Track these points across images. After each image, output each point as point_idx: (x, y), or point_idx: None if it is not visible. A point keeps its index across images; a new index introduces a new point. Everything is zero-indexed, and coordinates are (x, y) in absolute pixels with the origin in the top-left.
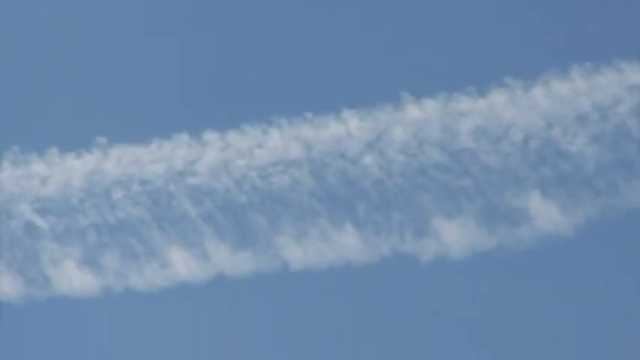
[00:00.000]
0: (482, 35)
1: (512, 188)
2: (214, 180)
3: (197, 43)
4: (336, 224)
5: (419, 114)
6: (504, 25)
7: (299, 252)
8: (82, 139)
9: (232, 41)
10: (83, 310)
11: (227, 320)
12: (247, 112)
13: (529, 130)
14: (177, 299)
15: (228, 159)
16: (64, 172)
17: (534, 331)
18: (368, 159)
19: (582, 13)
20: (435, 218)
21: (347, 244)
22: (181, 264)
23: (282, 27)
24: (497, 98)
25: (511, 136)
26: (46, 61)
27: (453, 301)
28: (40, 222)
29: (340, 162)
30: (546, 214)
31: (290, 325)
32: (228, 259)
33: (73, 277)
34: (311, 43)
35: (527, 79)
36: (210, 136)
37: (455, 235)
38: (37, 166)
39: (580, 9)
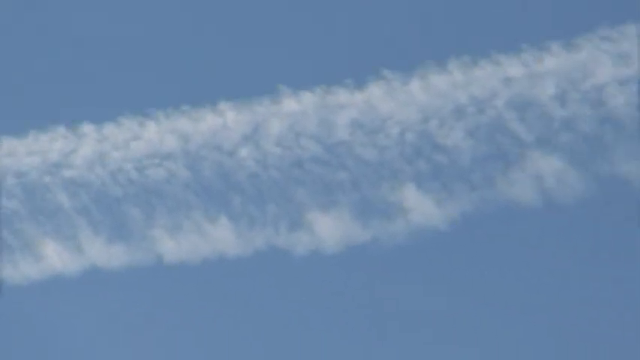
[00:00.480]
0: (359, 28)
1: (388, 181)
2: (90, 172)
3: (72, 34)
4: (211, 217)
5: (296, 107)
6: (381, 18)
7: (173, 245)
8: None
9: (109, 32)
10: None
11: (101, 313)
12: (124, 104)
13: (405, 124)
14: (50, 292)
15: (104, 151)
16: None
17: (408, 325)
18: (244, 152)
19: (458, 7)
20: (310, 211)
21: (221, 237)
22: (55, 256)
23: (159, 18)
24: (375, 91)
25: (387, 129)
26: None
27: (327, 295)
28: None
29: (216, 154)
30: (421, 208)
31: (164, 319)
32: (102, 252)
33: None
34: (188, 34)
35: (405, 72)
36: (86, 128)
37: (329, 229)
38: None
39: (456, 2)
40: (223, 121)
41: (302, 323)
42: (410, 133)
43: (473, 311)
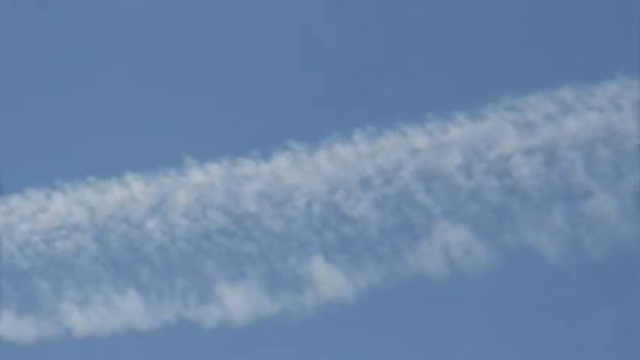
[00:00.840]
0: (264, 99)
1: (296, 253)
2: None
3: None
4: (120, 290)
5: (202, 178)
6: (285, 89)
7: (83, 318)
8: None
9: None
10: None
11: None
12: (30, 176)
13: (312, 195)
14: None
15: (12, 223)
16: None
17: None
18: (151, 223)
19: (362, 77)
20: (219, 284)
21: (130, 310)
22: None
23: (60, 95)
24: (281, 162)
25: (295, 200)
26: None
27: None
28: None
29: (124, 226)
30: (329, 280)
31: None
32: (11, 325)
33: None
34: (91, 106)
35: (311, 142)
36: None
37: (238, 301)
38: None
39: (358, 73)
40: (130, 193)
41: None
42: (317, 204)
43: None
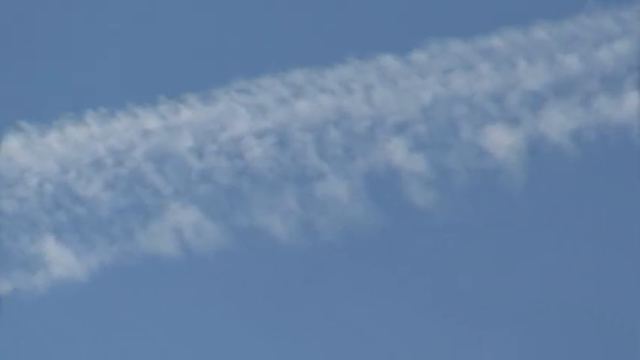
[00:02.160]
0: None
1: (28, 233)
2: None
3: None
4: None
5: None
6: (14, 71)
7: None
8: None
9: None
10: None
11: None
12: None
13: (44, 175)
14: None
15: None
16: None
17: None
18: None
19: (132, 58)
20: None
21: None
22: None
23: None
24: (12, 143)
25: (26, 180)
26: None
27: None
28: None
29: None
30: (61, 259)
31: None
32: None
33: None
34: None
35: (43, 123)
36: None
37: None
38: None
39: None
40: None
41: None
42: (48, 184)
43: None
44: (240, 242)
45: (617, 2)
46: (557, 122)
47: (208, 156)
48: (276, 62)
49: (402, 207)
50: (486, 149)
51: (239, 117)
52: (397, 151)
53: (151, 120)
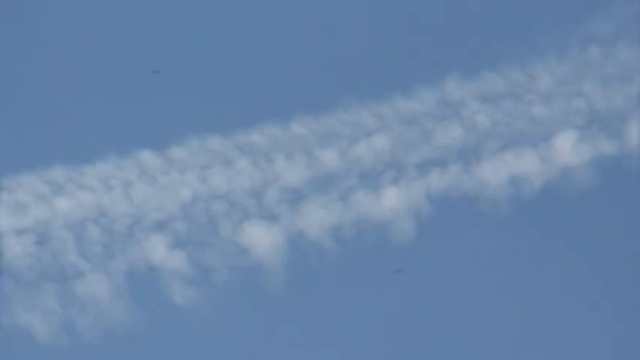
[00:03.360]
0: None
1: None
2: None
3: None
4: None
5: None
6: None
7: None
8: None
9: None
10: None
11: None
12: None
13: None
14: None
15: None
16: None
17: None
18: None
19: None
20: None
21: None
22: None
23: None
24: None
25: None
26: None
27: None
28: None
29: None
30: None
31: None
32: None
33: None
34: None
35: None
36: None
37: None
38: None
39: None
40: None
41: None
42: None
43: None
44: (2, 342)
45: (374, 98)
46: (316, 218)
47: None
48: (36, 160)
49: (162, 305)
50: (246, 246)
51: None
52: (157, 249)
53: None
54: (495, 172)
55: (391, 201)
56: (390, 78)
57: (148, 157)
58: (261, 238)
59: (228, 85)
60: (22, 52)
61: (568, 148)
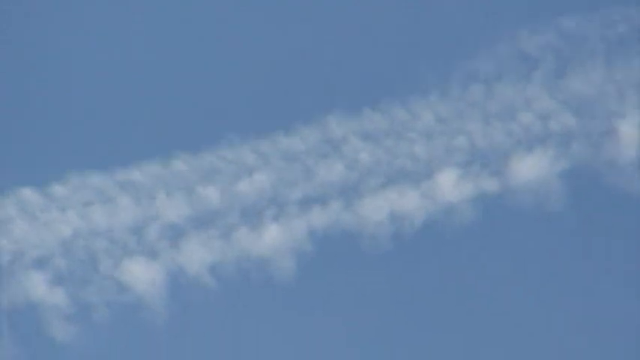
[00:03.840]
0: None
1: None
2: None
3: None
4: None
5: None
6: None
7: None
8: None
9: None
10: None
11: None
12: None
13: None
14: None
15: None
16: None
17: None
18: None
19: None
20: None
21: None
22: None
23: None
24: None
25: None
26: None
27: None
28: None
29: None
30: None
31: None
32: None
33: None
34: None
35: None
36: None
37: None
38: None
39: None
40: None
41: None
42: None
43: None
44: None
45: (255, 135)
46: (197, 255)
47: None
48: None
49: (42, 341)
50: (126, 283)
51: None
52: (37, 286)
53: None
54: (376, 209)
55: (272, 238)
56: (272, 115)
57: (28, 194)
58: (142, 275)
59: (107, 122)
60: None
61: (449, 186)
